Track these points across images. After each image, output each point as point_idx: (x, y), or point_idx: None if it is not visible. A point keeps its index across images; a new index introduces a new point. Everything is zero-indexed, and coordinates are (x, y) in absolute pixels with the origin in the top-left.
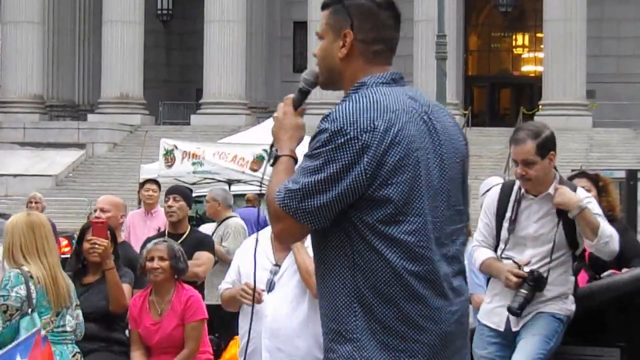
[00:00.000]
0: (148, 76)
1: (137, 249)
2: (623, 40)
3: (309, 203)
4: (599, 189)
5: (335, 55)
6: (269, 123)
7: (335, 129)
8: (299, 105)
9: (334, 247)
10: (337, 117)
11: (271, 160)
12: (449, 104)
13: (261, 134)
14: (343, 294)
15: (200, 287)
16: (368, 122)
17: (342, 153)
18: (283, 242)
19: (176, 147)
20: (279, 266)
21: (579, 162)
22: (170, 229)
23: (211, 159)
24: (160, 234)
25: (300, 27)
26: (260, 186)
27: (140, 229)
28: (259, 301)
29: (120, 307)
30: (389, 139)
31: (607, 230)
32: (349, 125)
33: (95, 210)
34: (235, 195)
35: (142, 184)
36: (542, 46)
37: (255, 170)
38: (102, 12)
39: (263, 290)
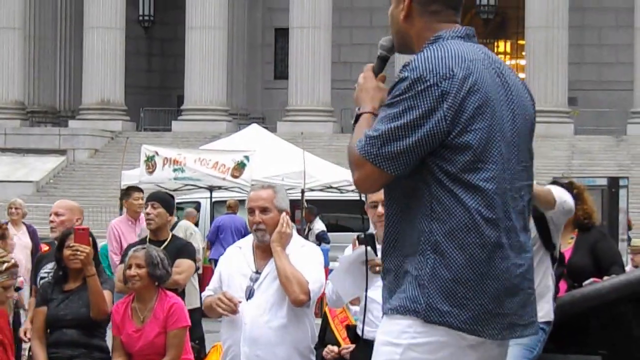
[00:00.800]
0: (129, 82)
1: None
2: (604, 47)
3: (389, 149)
4: (573, 197)
5: (398, 19)
6: (251, 130)
7: (415, 77)
8: (379, 72)
9: (411, 195)
10: (417, 65)
11: (353, 119)
12: None
13: (242, 141)
14: (418, 242)
15: (181, 294)
16: (447, 69)
17: (421, 100)
18: (363, 190)
19: (157, 154)
20: (259, 273)
21: (561, 169)
22: (151, 236)
23: (192, 165)
24: (142, 241)
25: (282, 34)
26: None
27: (129, 235)
28: (234, 312)
29: (101, 314)
30: (468, 86)
31: (558, 191)
32: (428, 72)
33: (50, 215)
34: (216, 202)
35: (126, 192)
36: (523, 53)
37: (236, 177)
38: (83, 18)
39: (240, 302)
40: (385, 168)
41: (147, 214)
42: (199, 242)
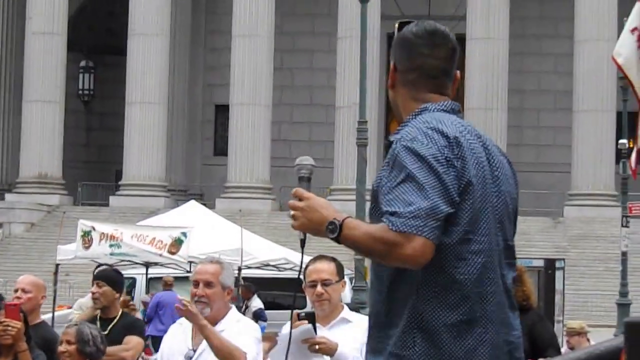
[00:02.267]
0: (68, 156)
1: None
2: (542, 129)
3: (435, 217)
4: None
5: (390, 88)
6: (189, 206)
7: (415, 146)
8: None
9: (397, 272)
10: (413, 136)
11: (335, 233)
12: (369, 190)
13: (180, 217)
14: (404, 319)
15: None
16: (444, 139)
17: (435, 166)
18: (422, 264)
19: (94, 229)
20: (194, 350)
21: None
22: (101, 313)
23: (129, 241)
24: (92, 318)
25: (222, 110)
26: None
27: None
28: None
29: None
30: (464, 155)
31: None
32: (429, 141)
33: (16, 290)
34: (152, 278)
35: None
36: None
37: (173, 253)
38: (22, 90)
39: None
40: (434, 239)
41: (93, 292)
42: None
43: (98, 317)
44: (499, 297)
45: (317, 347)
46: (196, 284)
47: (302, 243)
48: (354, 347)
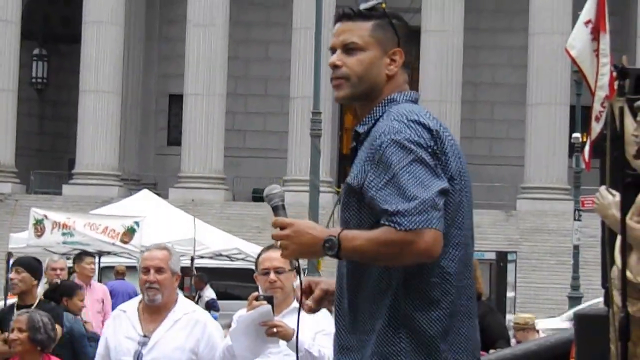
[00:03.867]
0: (20, 144)
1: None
2: (496, 122)
3: (437, 207)
4: None
5: (382, 72)
6: (142, 195)
7: (402, 139)
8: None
9: (380, 269)
10: (397, 129)
11: (335, 250)
12: (322, 181)
13: (133, 206)
14: (384, 316)
15: None
16: (427, 132)
17: (425, 156)
18: (436, 256)
19: (46, 217)
20: (148, 337)
21: None
22: (19, 300)
23: (82, 229)
24: (10, 306)
25: (176, 100)
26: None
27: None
28: None
29: None
30: (445, 148)
31: None
32: (414, 133)
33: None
34: (105, 267)
35: (79, 256)
36: None
37: (125, 243)
38: None
39: None
40: (440, 227)
41: (12, 279)
42: None
43: (16, 305)
44: (472, 290)
45: (274, 330)
46: (146, 270)
47: (298, 270)
48: (308, 336)
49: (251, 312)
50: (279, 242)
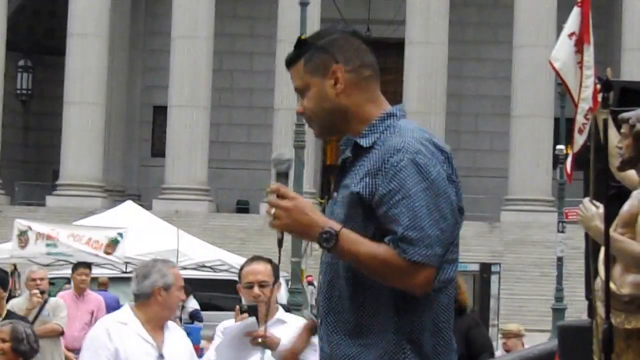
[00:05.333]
0: (5, 156)
1: (70, 330)
2: (480, 134)
3: (440, 249)
4: None
5: (330, 95)
6: (125, 206)
7: (422, 161)
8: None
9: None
10: (416, 149)
11: (330, 244)
12: (305, 192)
13: (116, 217)
14: (386, 329)
15: None
16: (441, 154)
17: (442, 186)
18: (424, 293)
19: (30, 228)
20: (163, 355)
21: None
22: None
23: (65, 240)
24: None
25: (160, 112)
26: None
27: (72, 310)
28: None
29: None
30: (454, 169)
31: None
32: (432, 156)
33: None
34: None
35: (75, 267)
36: None
37: (109, 254)
38: None
39: None
40: (439, 266)
41: None
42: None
43: None
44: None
45: (259, 340)
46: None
47: (280, 243)
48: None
49: (237, 324)
50: (272, 209)
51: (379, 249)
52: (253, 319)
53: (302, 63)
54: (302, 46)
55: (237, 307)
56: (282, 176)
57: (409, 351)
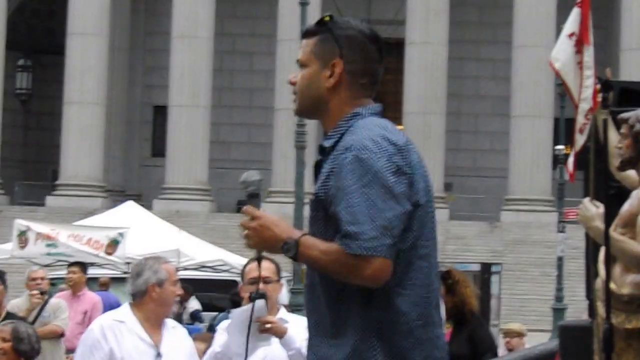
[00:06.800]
0: (4, 155)
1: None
2: (480, 134)
3: (390, 240)
4: (447, 287)
5: (321, 85)
6: (126, 207)
7: (366, 156)
8: (259, 208)
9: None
10: (362, 145)
11: (291, 253)
12: (307, 193)
13: (117, 218)
14: (357, 328)
15: None
16: (393, 147)
17: (386, 178)
18: (379, 283)
19: (30, 229)
20: (160, 354)
21: None
22: None
23: (65, 241)
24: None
25: (160, 112)
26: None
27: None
28: None
29: None
30: (412, 162)
31: None
32: (379, 150)
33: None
34: (88, 279)
35: (68, 266)
36: None
37: (109, 254)
38: None
39: None
40: (390, 256)
41: None
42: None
43: None
44: (437, 299)
45: (267, 326)
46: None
47: (259, 260)
48: (300, 339)
49: (245, 307)
50: (244, 231)
51: (330, 249)
52: (262, 301)
53: (313, 40)
54: (323, 25)
55: (247, 295)
56: (253, 197)
57: (379, 349)
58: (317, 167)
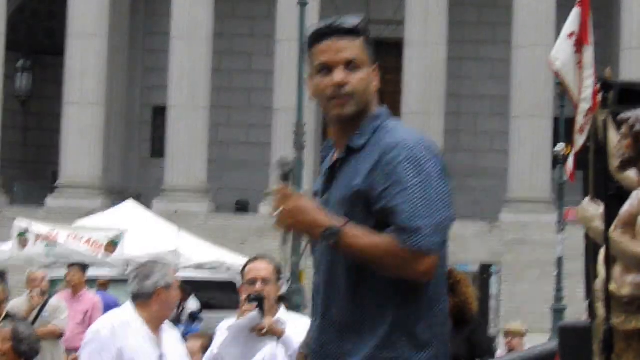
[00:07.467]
0: (4, 156)
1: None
2: (479, 134)
3: (443, 236)
4: (449, 287)
5: (372, 88)
6: (125, 207)
7: (419, 156)
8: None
9: (371, 276)
10: (412, 146)
11: (332, 240)
12: (306, 193)
13: (116, 218)
14: (383, 323)
15: None
16: (435, 149)
17: (437, 178)
18: (427, 279)
19: (29, 229)
20: (163, 355)
21: None
22: None
23: (65, 241)
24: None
25: (160, 112)
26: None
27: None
28: None
29: None
30: (445, 165)
31: None
32: (427, 152)
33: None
34: (87, 280)
35: (68, 267)
36: None
37: (109, 254)
38: None
39: None
40: (439, 253)
41: None
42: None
43: None
44: (446, 296)
45: (263, 331)
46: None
47: (284, 242)
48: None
49: (241, 320)
50: (277, 211)
51: (381, 240)
52: (255, 312)
53: (360, 42)
54: (364, 26)
55: (245, 297)
56: (285, 177)
57: (405, 342)
58: (336, 165)
